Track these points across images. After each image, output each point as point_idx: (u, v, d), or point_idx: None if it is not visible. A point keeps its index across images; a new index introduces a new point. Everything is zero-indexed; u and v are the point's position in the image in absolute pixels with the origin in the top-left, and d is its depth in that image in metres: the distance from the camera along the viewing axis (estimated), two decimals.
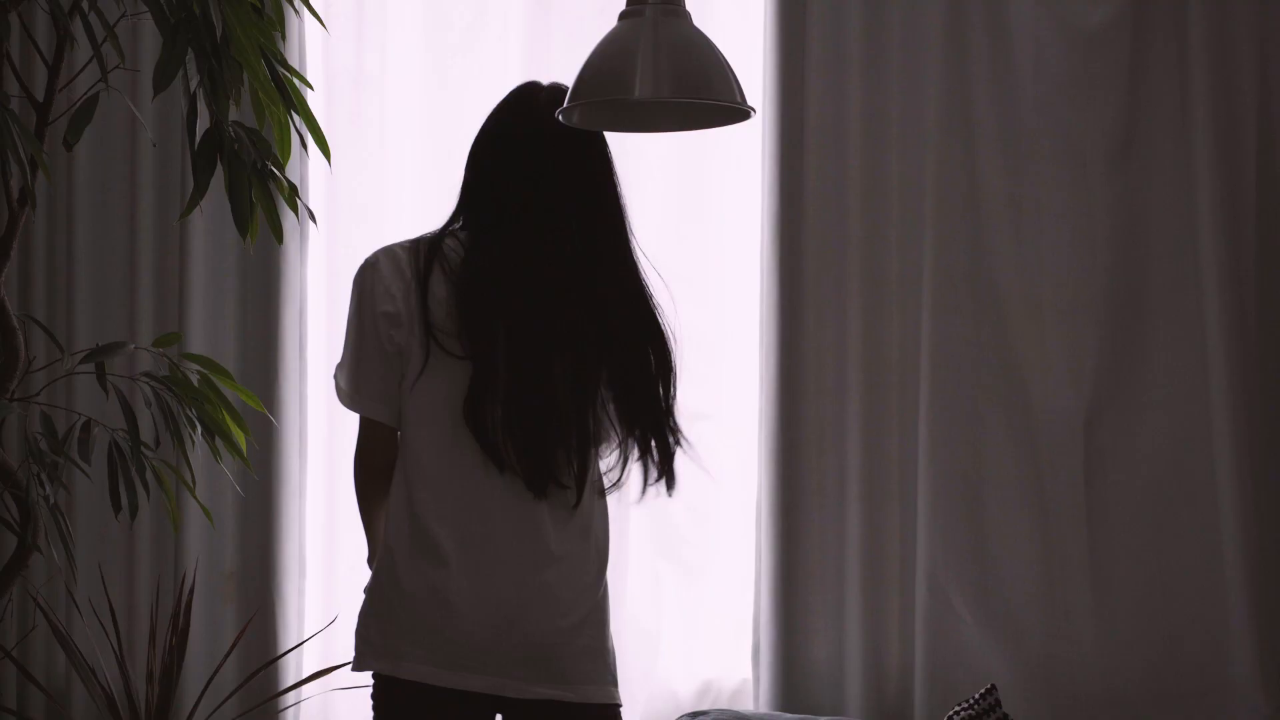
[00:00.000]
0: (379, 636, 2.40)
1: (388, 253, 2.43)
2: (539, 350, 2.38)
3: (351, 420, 2.57)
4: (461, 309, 2.38)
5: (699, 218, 3.63)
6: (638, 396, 2.42)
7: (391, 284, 2.40)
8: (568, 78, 2.40)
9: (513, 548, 2.39)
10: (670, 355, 2.45)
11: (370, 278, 2.42)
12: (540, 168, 2.46)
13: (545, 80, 2.53)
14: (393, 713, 2.41)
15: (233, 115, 2.61)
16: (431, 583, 2.38)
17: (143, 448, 2.91)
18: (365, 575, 2.49)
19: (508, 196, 2.44)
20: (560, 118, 2.44)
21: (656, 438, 2.43)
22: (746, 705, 3.49)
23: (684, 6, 2.72)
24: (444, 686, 2.36)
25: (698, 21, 2.53)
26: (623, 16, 2.68)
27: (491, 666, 2.38)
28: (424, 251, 2.41)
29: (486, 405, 2.35)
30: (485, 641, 2.38)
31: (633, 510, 3.44)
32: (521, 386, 2.36)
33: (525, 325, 2.38)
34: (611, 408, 2.41)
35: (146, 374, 2.90)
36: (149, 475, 2.94)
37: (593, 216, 2.46)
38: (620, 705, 2.50)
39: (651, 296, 2.48)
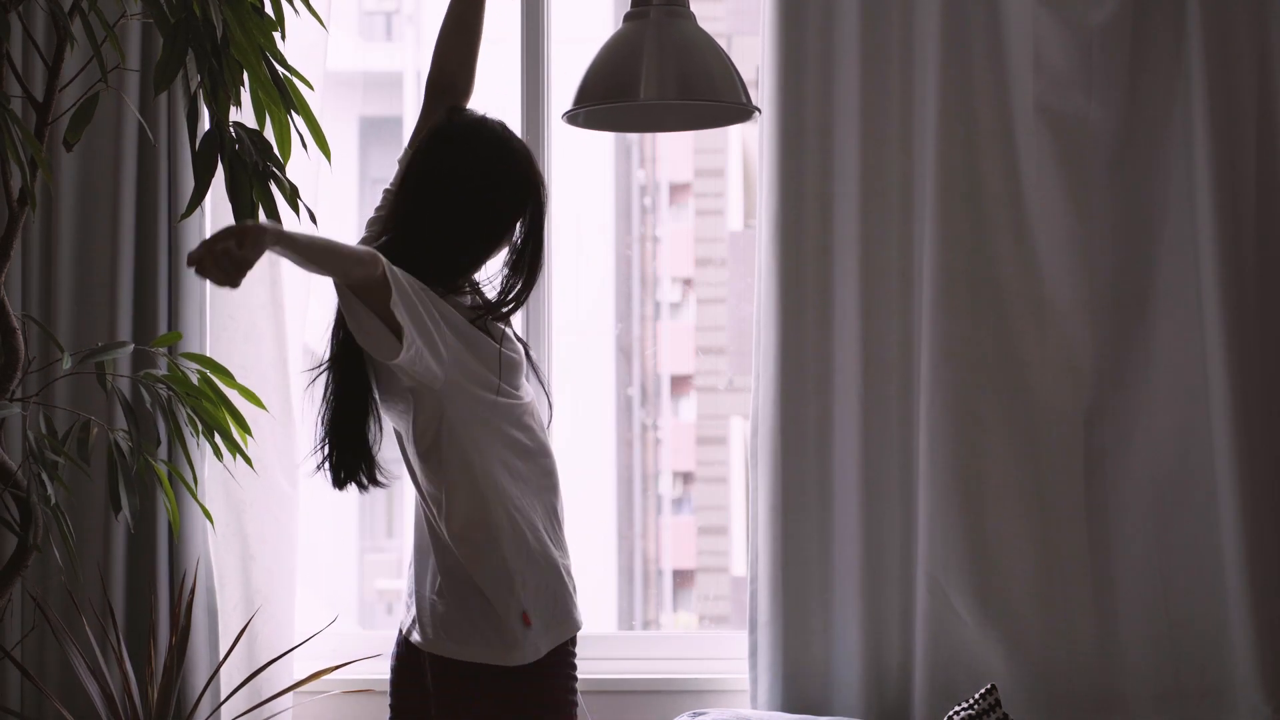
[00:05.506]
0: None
1: None
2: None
3: None
4: None
5: None
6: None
7: None
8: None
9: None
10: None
11: None
12: (405, 174, 2.66)
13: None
14: None
15: (233, 116, 2.60)
16: None
17: (144, 447, 2.90)
18: (366, 574, 2.49)
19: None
20: (565, 120, 2.45)
21: None
22: (746, 705, 3.49)
23: (688, 8, 2.73)
24: None
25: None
26: (627, 18, 2.68)
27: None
28: None
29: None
30: None
31: (634, 508, 3.43)
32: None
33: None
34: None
35: (148, 373, 2.89)
36: (149, 475, 2.93)
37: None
38: (472, 662, 2.55)
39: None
